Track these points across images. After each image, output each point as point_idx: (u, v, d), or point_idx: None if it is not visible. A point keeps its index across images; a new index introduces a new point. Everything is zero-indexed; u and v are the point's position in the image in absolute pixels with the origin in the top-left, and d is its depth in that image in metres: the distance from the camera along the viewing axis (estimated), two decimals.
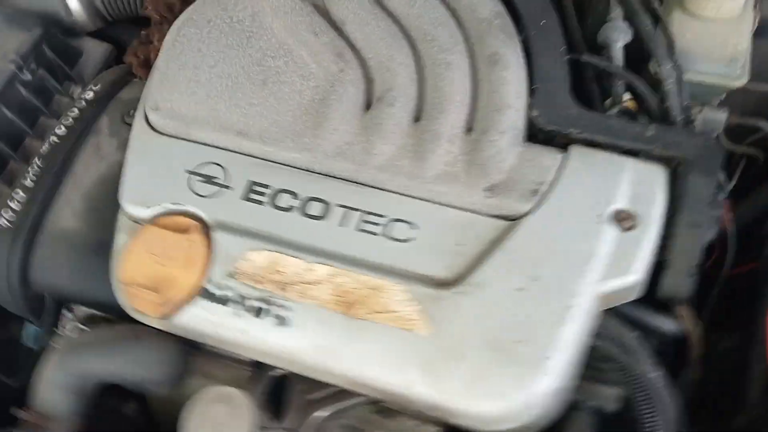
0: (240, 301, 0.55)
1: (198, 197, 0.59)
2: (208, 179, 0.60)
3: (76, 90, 0.73)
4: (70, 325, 0.66)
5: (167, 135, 0.62)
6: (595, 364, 0.55)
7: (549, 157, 0.57)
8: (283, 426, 0.60)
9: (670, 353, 0.60)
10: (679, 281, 0.55)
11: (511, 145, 0.57)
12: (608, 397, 0.57)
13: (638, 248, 0.54)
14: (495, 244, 0.55)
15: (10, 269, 0.61)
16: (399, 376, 0.52)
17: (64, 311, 0.66)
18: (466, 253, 0.55)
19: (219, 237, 0.57)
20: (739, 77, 0.60)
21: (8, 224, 0.62)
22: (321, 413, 0.61)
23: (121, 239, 0.60)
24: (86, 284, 0.62)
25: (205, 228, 0.58)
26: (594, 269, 0.53)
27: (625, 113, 0.60)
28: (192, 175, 0.60)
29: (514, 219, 0.55)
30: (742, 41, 0.61)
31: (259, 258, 0.56)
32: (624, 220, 0.54)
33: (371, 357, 0.53)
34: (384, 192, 0.58)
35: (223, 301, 0.55)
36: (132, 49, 0.71)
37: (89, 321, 0.66)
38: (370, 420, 0.61)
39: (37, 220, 0.62)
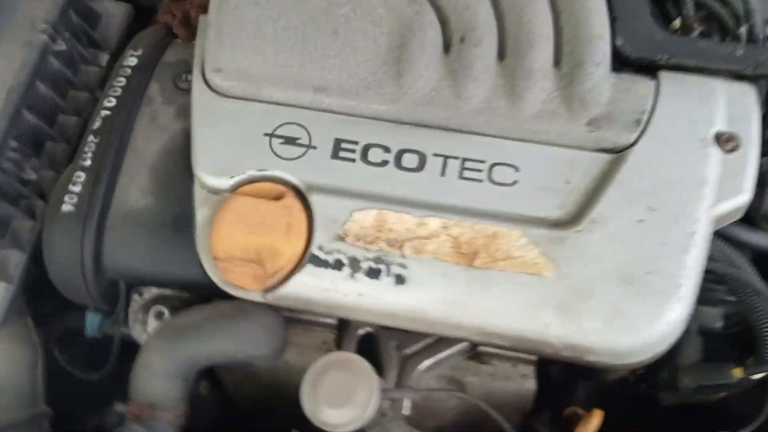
0: (353, 263, 0.53)
1: (283, 161, 0.55)
2: (291, 140, 0.56)
3: (102, 56, 0.67)
4: (138, 308, 0.62)
5: (236, 97, 0.57)
6: (705, 285, 0.56)
7: (643, 85, 0.56)
8: (389, 387, 0.59)
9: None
10: None
11: (606, 76, 0.55)
12: (715, 316, 0.58)
13: (745, 168, 0.54)
14: (605, 178, 0.54)
15: (84, 257, 0.56)
16: (533, 321, 0.51)
17: (133, 295, 0.62)
18: (576, 191, 0.54)
19: (317, 200, 0.54)
20: None
21: (74, 209, 0.56)
22: (419, 367, 0.60)
23: (202, 213, 0.55)
24: (166, 264, 0.58)
25: (299, 192, 0.55)
26: (708, 193, 0.53)
27: (705, 33, 0.60)
28: (273, 138, 0.56)
29: (619, 151, 0.54)
30: None
31: (366, 217, 0.54)
32: (726, 141, 0.54)
33: (501, 306, 0.52)
34: (481, 136, 0.55)
35: (335, 265, 0.53)
36: (166, 7, 0.65)
37: (164, 302, 0.61)
38: (466, 367, 0.61)
39: (104, 202, 0.57)
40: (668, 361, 0.55)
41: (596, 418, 0.56)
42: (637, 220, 0.52)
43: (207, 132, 0.57)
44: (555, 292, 0.51)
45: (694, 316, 0.56)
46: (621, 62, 0.57)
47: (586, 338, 0.51)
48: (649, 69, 0.57)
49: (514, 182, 0.54)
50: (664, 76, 0.56)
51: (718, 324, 0.58)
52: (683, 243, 0.52)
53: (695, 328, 0.57)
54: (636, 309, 0.51)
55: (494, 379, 0.60)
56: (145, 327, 0.61)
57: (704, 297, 0.55)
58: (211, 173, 0.56)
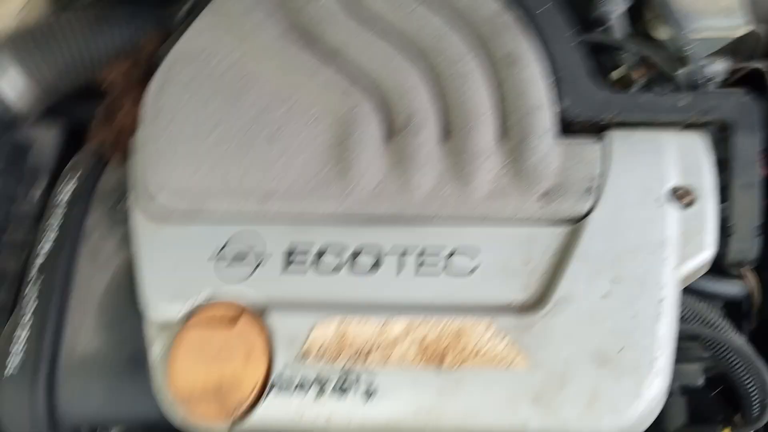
0: (319, 383, 0.50)
1: (234, 281, 0.53)
2: (240, 258, 0.54)
3: (35, 192, 0.64)
4: None
5: (178, 219, 0.55)
6: (679, 345, 0.54)
7: (590, 149, 0.54)
8: None
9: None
10: (746, 245, 0.54)
11: (552, 146, 0.54)
12: (695, 372, 0.56)
13: (704, 222, 0.53)
14: (565, 252, 0.52)
15: (36, 420, 0.53)
16: (511, 417, 0.49)
17: None
18: (538, 269, 0.52)
19: (274, 319, 0.52)
20: (742, 25, 0.59)
21: (18, 372, 0.54)
22: None
23: (155, 350, 0.53)
24: (126, 406, 0.55)
25: (254, 313, 0.52)
26: (671, 255, 0.51)
27: (646, 85, 0.58)
28: (220, 258, 0.54)
29: (576, 222, 0.53)
30: None
31: (327, 330, 0.51)
32: (682, 197, 0.53)
33: (477, 406, 0.49)
34: (434, 226, 0.54)
35: (300, 388, 0.50)
36: (95, 130, 0.63)
37: None
38: None
39: (52, 356, 0.54)
40: (654, 427, 0.53)
41: None
42: (602, 294, 0.51)
43: (150, 261, 0.54)
44: (530, 384, 0.49)
45: (675, 376, 0.54)
46: (567, 125, 0.56)
47: (566, 427, 0.49)
48: (595, 129, 0.56)
49: (474, 269, 0.52)
50: (612, 135, 0.55)
51: (700, 380, 0.56)
52: (653, 312, 0.50)
53: (677, 389, 0.56)
54: (614, 390, 0.49)
55: None
56: None
57: (681, 355, 0.54)
58: (159, 306, 0.53)
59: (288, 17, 0.58)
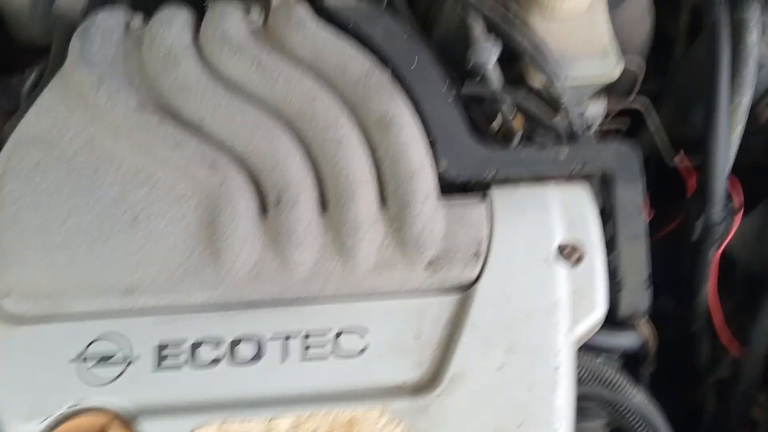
0: None
1: (100, 385, 0.48)
2: (105, 359, 0.49)
3: None
4: None
5: (30, 322, 0.49)
6: (579, 405, 0.53)
7: (475, 210, 0.52)
8: None
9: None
10: (637, 297, 0.54)
11: (436, 210, 0.52)
12: (597, 429, 0.55)
13: (594, 279, 0.52)
14: (456, 323, 0.50)
15: None
16: None
17: None
18: (429, 343, 0.50)
19: (146, 425, 0.47)
20: (616, 66, 0.59)
21: None
22: None
23: None
24: None
25: (125, 421, 0.47)
26: (562, 318, 0.50)
27: (527, 135, 0.57)
28: (83, 361, 0.48)
29: (465, 288, 0.51)
30: (605, 30, 0.60)
31: None
32: (570, 254, 0.52)
33: None
34: (318, 305, 0.50)
35: None
36: None
37: None
38: None
39: None
40: None
41: None
42: (497, 367, 0.49)
43: (3, 370, 0.49)
44: None
45: None
46: (449, 185, 0.54)
47: None
48: (479, 188, 0.54)
49: (363, 350, 0.49)
50: (495, 194, 0.53)
51: None
52: (549, 382, 0.48)
53: None
54: None
55: None
56: None
57: (582, 414, 0.53)
58: (15, 421, 0.47)
59: (144, 87, 0.53)
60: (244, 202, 0.51)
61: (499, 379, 0.48)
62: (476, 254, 0.51)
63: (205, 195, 0.51)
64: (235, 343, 0.49)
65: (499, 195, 0.53)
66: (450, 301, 0.51)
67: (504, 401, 0.48)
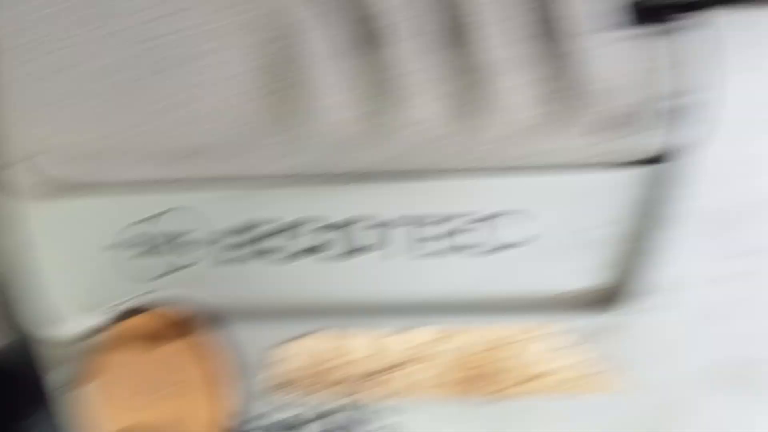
0: (305, 422, 0.34)
1: (162, 277, 0.35)
2: (169, 242, 0.35)
3: None
4: None
5: (69, 192, 0.36)
6: None
7: (680, 46, 0.35)
8: None
9: None
10: None
11: (617, 46, 0.34)
12: None
13: None
14: (654, 207, 0.34)
15: None
16: None
17: None
18: (621, 237, 0.34)
19: (232, 332, 0.34)
20: None
21: None
22: None
23: (56, 377, 0.35)
24: None
25: (191, 324, 0.35)
26: None
27: None
28: (131, 245, 0.35)
29: (670, 159, 0.34)
30: None
31: (317, 347, 0.34)
32: None
33: None
34: (445, 180, 0.35)
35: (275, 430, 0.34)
36: None
37: None
38: None
39: None
40: None
41: None
42: (724, 275, 0.33)
43: (33, 257, 0.36)
44: (625, 418, 0.33)
45: None
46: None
47: None
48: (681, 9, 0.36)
49: (521, 243, 0.35)
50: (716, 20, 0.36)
51: None
52: None
53: None
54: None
55: None
56: None
57: None
58: (54, 319, 0.35)
59: None
60: (331, 32, 0.34)
61: (727, 293, 0.33)
62: (685, 110, 0.34)
63: (271, 26, 0.35)
64: (340, 227, 0.35)
65: (722, 20, 0.36)
66: (648, 174, 0.35)
67: (734, 324, 0.33)
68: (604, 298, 0.34)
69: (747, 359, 0.33)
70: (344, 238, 0.35)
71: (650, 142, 0.34)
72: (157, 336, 0.35)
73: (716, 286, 0.33)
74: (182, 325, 0.35)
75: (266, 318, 0.35)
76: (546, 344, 0.33)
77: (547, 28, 0.34)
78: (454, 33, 0.34)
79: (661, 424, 0.33)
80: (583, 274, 0.34)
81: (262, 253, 0.35)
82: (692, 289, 0.33)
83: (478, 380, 0.33)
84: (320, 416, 0.34)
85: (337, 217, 0.35)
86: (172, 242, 0.35)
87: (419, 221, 0.35)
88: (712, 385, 0.33)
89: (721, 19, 0.35)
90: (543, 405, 0.33)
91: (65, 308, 0.35)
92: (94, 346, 0.35)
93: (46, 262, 0.35)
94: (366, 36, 0.34)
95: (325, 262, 0.35)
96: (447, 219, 0.35)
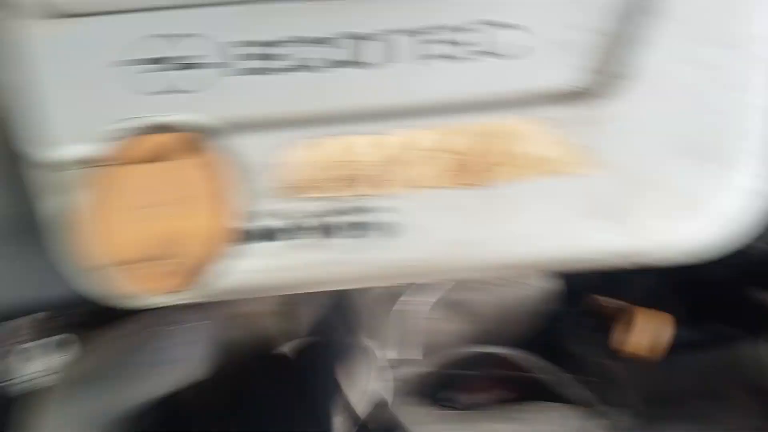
0: (322, 223, 0.35)
1: (172, 93, 0.36)
2: (180, 61, 0.36)
3: None
4: None
5: (79, 14, 0.36)
6: None
7: None
8: None
9: None
10: None
11: None
12: None
13: None
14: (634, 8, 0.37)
15: None
16: (577, 236, 0.36)
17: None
18: (601, 36, 0.37)
19: (240, 143, 0.35)
20: None
21: None
22: None
23: (58, 203, 0.36)
24: (28, 289, 0.39)
25: (202, 138, 0.36)
26: None
27: None
28: (151, 62, 0.36)
29: None
30: None
31: (325, 150, 0.36)
32: None
33: (533, 228, 0.36)
34: None
35: (293, 232, 0.35)
36: None
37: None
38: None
39: None
40: None
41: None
42: (694, 65, 0.36)
43: (40, 74, 0.36)
44: (601, 192, 0.36)
45: None
46: None
47: (654, 240, 0.36)
48: None
49: (512, 45, 0.37)
50: None
51: None
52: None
53: None
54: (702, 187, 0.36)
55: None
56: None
57: None
58: (52, 143, 0.36)
59: None
60: None
61: (696, 80, 0.36)
62: None
63: None
64: (353, 39, 0.36)
65: None
66: None
67: (694, 106, 0.36)
68: (581, 93, 0.37)
69: (715, 131, 0.36)
70: (348, 48, 0.37)
71: None
72: (161, 153, 0.36)
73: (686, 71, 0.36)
74: (187, 142, 0.36)
75: (272, 127, 0.36)
76: (531, 135, 0.36)
77: None
78: None
79: (627, 198, 0.36)
80: (563, 71, 0.37)
81: (267, 65, 0.36)
82: (664, 76, 0.36)
83: (477, 170, 0.36)
84: (323, 218, 0.36)
85: (340, 29, 0.37)
86: (179, 57, 0.36)
87: (431, 28, 0.37)
88: (681, 155, 0.36)
89: None
90: (528, 188, 0.36)
91: (69, 128, 0.36)
92: (98, 164, 0.36)
93: (51, 81, 0.36)
94: None
95: (356, 69, 0.36)
96: (442, 28, 0.37)
